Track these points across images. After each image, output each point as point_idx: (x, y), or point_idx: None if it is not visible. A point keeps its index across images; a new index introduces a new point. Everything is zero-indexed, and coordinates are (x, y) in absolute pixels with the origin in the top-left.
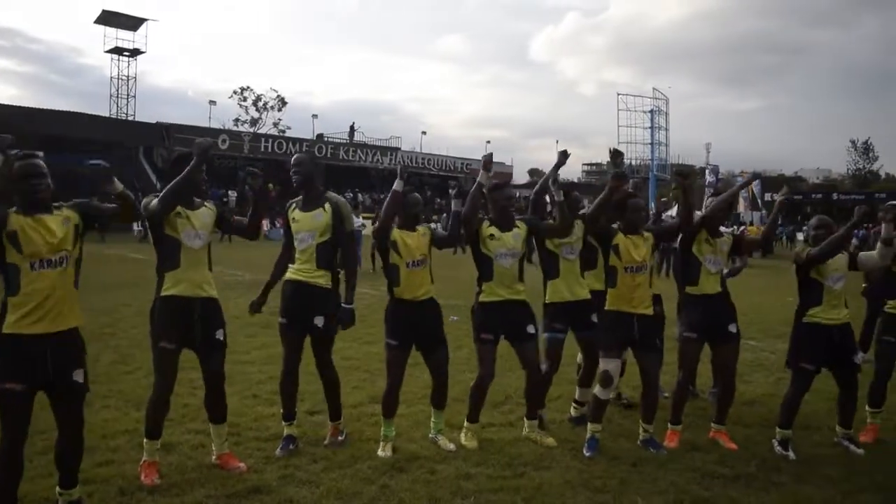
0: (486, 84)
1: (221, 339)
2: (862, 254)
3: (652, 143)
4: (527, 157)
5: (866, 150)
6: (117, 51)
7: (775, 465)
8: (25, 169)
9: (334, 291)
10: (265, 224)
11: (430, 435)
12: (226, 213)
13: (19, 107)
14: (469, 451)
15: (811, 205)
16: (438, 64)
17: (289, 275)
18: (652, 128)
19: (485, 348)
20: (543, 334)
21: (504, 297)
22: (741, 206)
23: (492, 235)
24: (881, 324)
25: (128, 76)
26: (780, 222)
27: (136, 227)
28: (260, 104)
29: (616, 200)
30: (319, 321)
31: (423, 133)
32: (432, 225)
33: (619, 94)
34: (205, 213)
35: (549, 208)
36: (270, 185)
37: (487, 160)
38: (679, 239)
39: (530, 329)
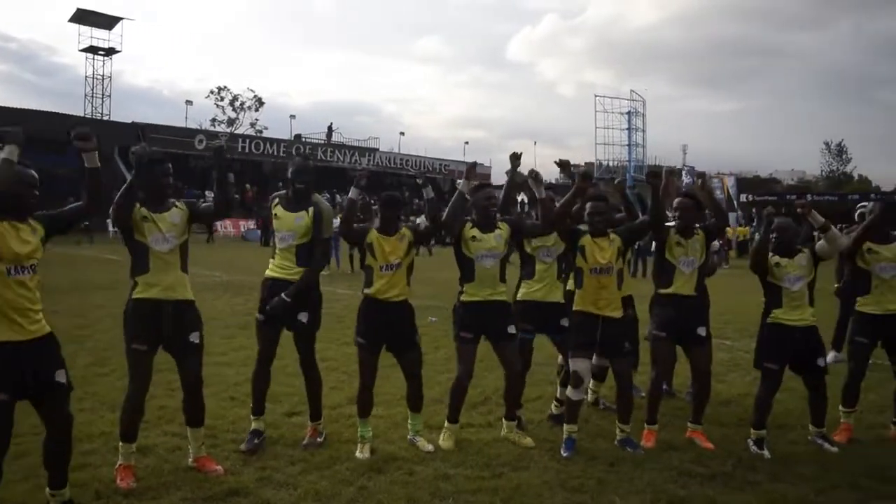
0: (465, 85)
1: (197, 342)
2: (817, 244)
3: (629, 145)
4: (506, 158)
5: (840, 151)
6: (92, 50)
7: (751, 463)
8: (28, 178)
9: (315, 289)
10: (242, 225)
11: (409, 436)
12: (197, 208)
13: None
14: (447, 452)
15: (786, 206)
16: (417, 65)
17: (269, 272)
18: (629, 129)
19: (464, 347)
20: None
21: (485, 298)
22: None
23: (474, 237)
24: (853, 323)
25: (103, 75)
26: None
27: (111, 228)
28: (237, 104)
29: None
30: (304, 317)
31: (402, 134)
32: (418, 220)
33: (596, 96)
34: (174, 215)
35: (522, 207)
36: (248, 186)
37: (470, 169)
38: (654, 244)
39: (511, 329)
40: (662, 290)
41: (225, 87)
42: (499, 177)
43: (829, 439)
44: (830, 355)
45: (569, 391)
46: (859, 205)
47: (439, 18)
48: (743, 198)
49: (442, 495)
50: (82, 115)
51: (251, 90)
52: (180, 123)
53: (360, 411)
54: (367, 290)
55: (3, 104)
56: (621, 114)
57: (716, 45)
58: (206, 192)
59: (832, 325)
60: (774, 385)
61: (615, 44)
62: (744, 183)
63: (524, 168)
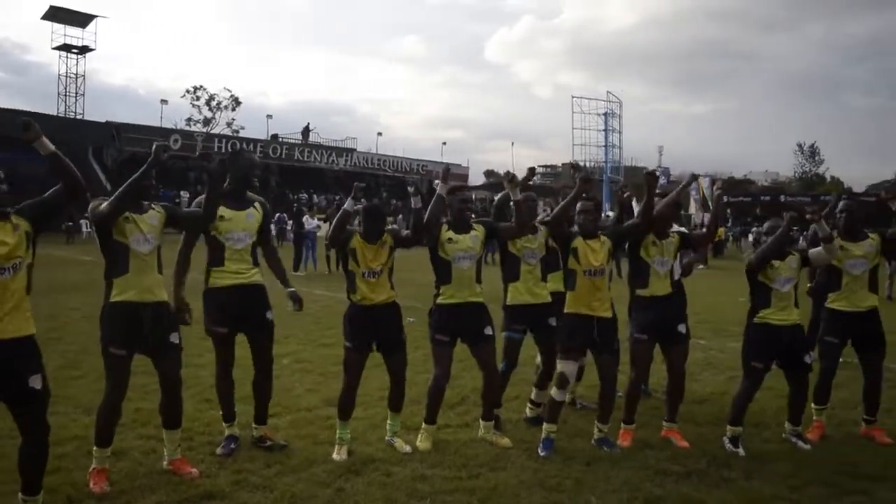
0: (443, 85)
1: (177, 342)
2: (811, 251)
3: (606, 146)
4: (483, 159)
5: (812, 153)
6: (65, 48)
7: (726, 461)
8: None
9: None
10: None
11: (387, 437)
12: (176, 212)
13: None
14: (424, 453)
15: (760, 206)
16: (395, 65)
17: (223, 281)
18: (606, 130)
19: (440, 350)
20: (502, 333)
21: (462, 300)
22: (692, 208)
23: (450, 239)
24: (824, 322)
25: (76, 74)
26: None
27: (84, 228)
28: (213, 104)
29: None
30: (270, 315)
31: (379, 134)
32: (395, 226)
33: (573, 97)
34: (153, 217)
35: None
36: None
37: (445, 172)
38: (627, 244)
39: (488, 331)
40: (641, 292)
41: (201, 86)
42: (477, 177)
43: (803, 437)
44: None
45: (553, 391)
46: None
47: (416, 19)
48: None
49: (419, 496)
50: (55, 113)
51: (228, 90)
52: (156, 123)
53: (341, 413)
54: (352, 297)
55: None
56: (598, 115)
57: (690, 47)
58: (181, 193)
59: (805, 324)
60: (756, 384)
61: (591, 46)
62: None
63: (500, 168)
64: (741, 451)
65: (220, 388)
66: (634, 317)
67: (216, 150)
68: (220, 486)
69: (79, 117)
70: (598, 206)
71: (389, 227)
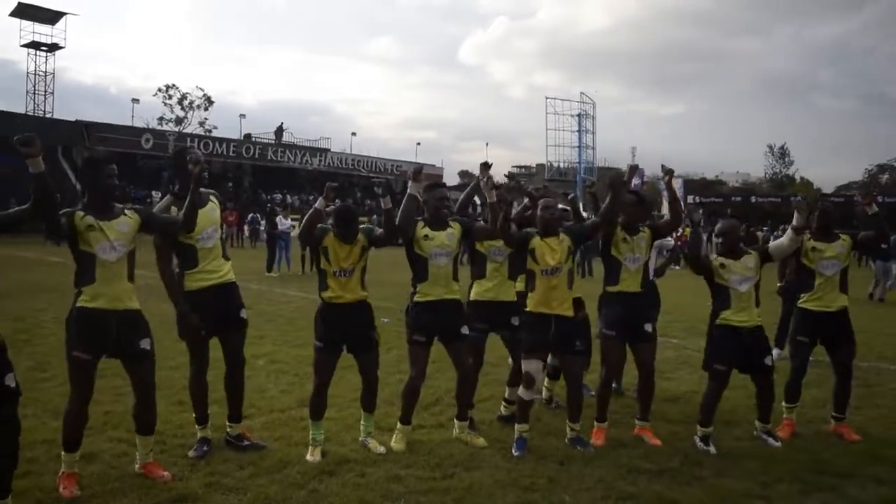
0: (417, 86)
1: (148, 348)
2: (770, 245)
3: (579, 147)
4: (457, 159)
5: (783, 154)
6: (34, 45)
7: (698, 459)
8: None
9: None
10: None
11: (361, 438)
12: (152, 218)
13: None
14: (399, 454)
15: (731, 207)
16: (369, 65)
17: (199, 283)
18: (580, 131)
19: (416, 350)
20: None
21: (439, 297)
22: (665, 208)
23: (426, 236)
24: (794, 322)
25: (45, 72)
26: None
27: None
28: (185, 103)
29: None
30: (244, 313)
31: (353, 134)
32: (368, 225)
33: (547, 98)
34: (123, 223)
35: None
36: None
37: (417, 171)
38: (600, 242)
39: (464, 330)
40: (610, 288)
41: (173, 85)
42: (451, 178)
43: (773, 434)
44: (774, 353)
45: (520, 391)
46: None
47: (391, 19)
48: (690, 199)
49: (393, 497)
50: (24, 111)
51: (200, 89)
52: (127, 122)
53: (312, 413)
54: (323, 295)
55: None
56: (572, 116)
57: (663, 49)
58: (153, 193)
59: (775, 322)
60: (722, 385)
61: (565, 47)
62: (691, 185)
63: (475, 169)
64: (712, 449)
65: (194, 390)
66: (603, 313)
67: (189, 149)
68: (192, 488)
69: (48, 116)
70: (577, 209)
71: (363, 226)
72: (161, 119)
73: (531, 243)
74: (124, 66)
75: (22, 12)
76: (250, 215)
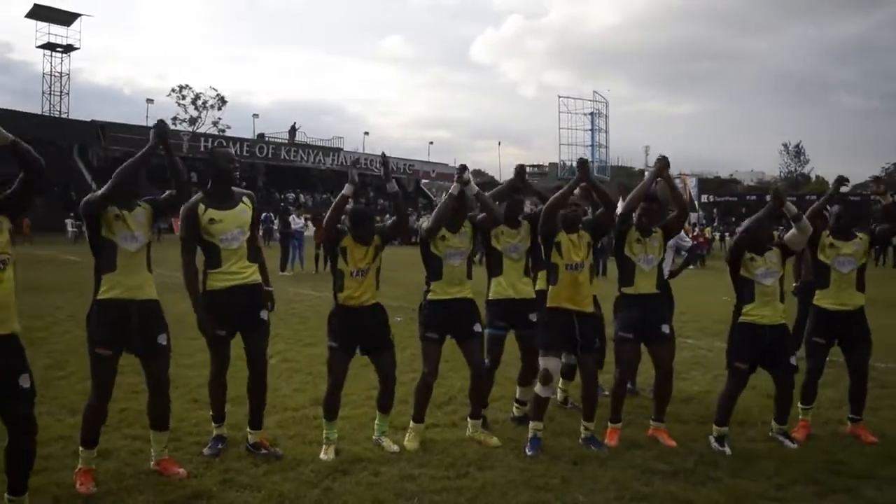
0: (429, 85)
1: (165, 343)
2: (787, 235)
3: (592, 145)
4: (470, 159)
5: (798, 153)
6: (50, 46)
7: (712, 460)
8: None
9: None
10: None
11: (374, 437)
12: (157, 201)
13: None
14: (412, 453)
15: (746, 206)
16: (381, 65)
17: (218, 283)
18: (592, 130)
19: (429, 346)
20: (485, 331)
21: (452, 296)
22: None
23: (443, 236)
24: (811, 321)
25: (61, 73)
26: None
27: (69, 227)
28: (199, 103)
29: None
30: (265, 315)
31: (366, 134)
32: (420, 220)
33: (560, 97)
34: (140, 213)
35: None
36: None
37: (461, 170)
38: (613, 243)
39: (477, 328)
40: (626, 290)
41: (187, 85)
42: None
43: (789, 436)
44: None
45: (537, 388)
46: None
47: (403, 19)
48: (704, 198)
49: (407, 496)
50: (40, 112)
51: (214, 89)
52: (141, 122)
53: (326, 413)
54: (339, 296)
55: None
56: (584, 115)
57: (676, 47)
58: (168, 192)
59: (791, 323)
60: (741, 384)
61: (577, 45)
62: (705, 183)
63: (488, 168)
64: (727, 450)
65: (212, 390)
66: (619, 315)
67: (202, 149)
68: (207, 486)
69: (63, 116)
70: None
71: (377, 225)
72: (175, 119)
73: (558, 237)
74: (138, 67)
75: (37, 14)
76: (263, 214)
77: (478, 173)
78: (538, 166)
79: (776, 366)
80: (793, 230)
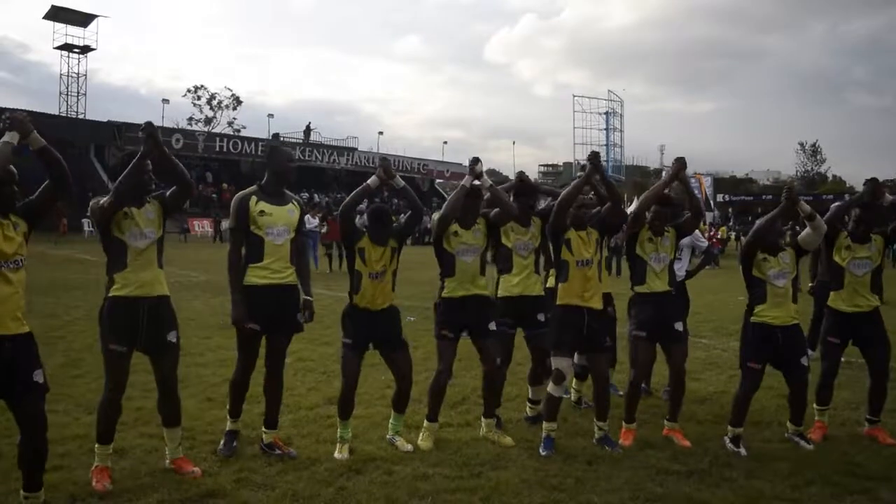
0: (444, 85)
1: (174, 341)
2: (800, 235)
3: (607, 145)
4: (484, 158)
5: (814, 152)
6: (67, 47)
7: (727, 460)
8: (4, 174)
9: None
10: (224, 224)
11: (388, 436)
12: (164, 196)
13: None
14: (426, 452)
15: (762, 206)
16: (396, 64)
17: (257, 280)
18: (607, 129)
19: (444, 344)
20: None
21: (466, 293)
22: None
23: (455, 232)
24: (826, 322)
25: (78, 73)
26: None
27: (86, 227)
28: (214, 103)
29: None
30: (301, 317)
31: (381, 133)
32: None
33: (574, 96)
34: (149, 210)
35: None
36: (225, 185)
37: (473, 162)
38: (625, 243)
39: (492, 326)
40: (638, 289)
41: (202, 85)
42: None
43: (805, 437)
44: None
45: (549, 387)
46: (833, 205)
47: (418, 18)
48: (720, 198)
49: (421, 495)
50: (57, 113)
51: (229, 89)
52: (157, 122)
53: (341, 412)
54: (354, 297)
55: None
56: (599, 114)
57: (691, 46)
58: None
59: (806, 323)
60: (755, 384)
61: (592, 44)
62: (720, 183)
63: (502, 168)
64: (742, 450)
65: (234, 387)
66: (633, 314)
67: (217, 149)
68: (221, 484)
69: (80, 117)
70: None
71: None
72: (191, 119)
73: (567, 233)
74: (154, 68)
75: (55, 15)
76: None
77: (492, 173)
78: (552, 166)
79: (788, 366)
80: (807, 230)
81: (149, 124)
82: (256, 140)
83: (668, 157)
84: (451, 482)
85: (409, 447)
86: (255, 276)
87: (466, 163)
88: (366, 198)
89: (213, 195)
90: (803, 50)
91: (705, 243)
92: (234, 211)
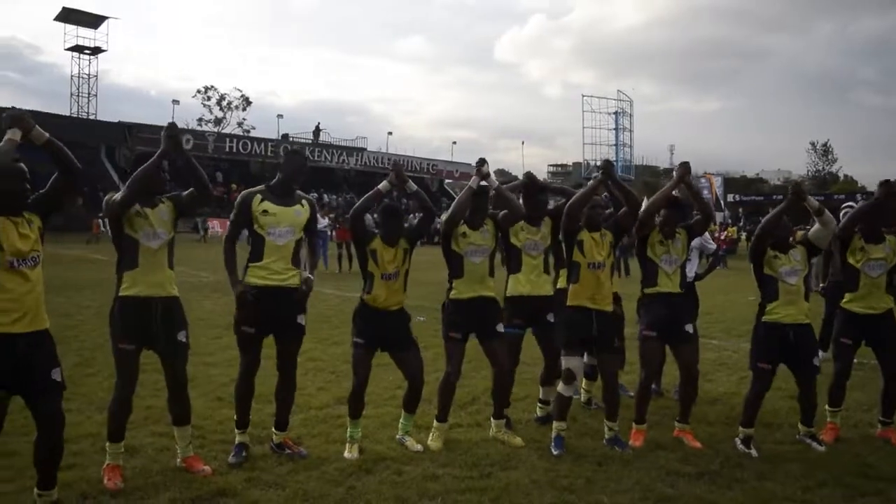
0: (453, 85)
1: (184, 340)
2: (811, 232)
3: (616, 145)
4: (494, 158)
5: (825, 151)
6: (78, 49)
7: (738, 462)
8: (17, 172)
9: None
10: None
11: (398, 436)
12: (180, 197)
13: None
14: (436, 452)
15: (773, 206)
16: (404, 64)
17: (256, 280)
18: (616, 129)
19: (452, 346)
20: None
21: (474, 294)
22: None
23: (464, 233)
24: (838, 323)
25: (88, 74)
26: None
27: (102, 227)
28: (224, 104)
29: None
30: (302, 319)
31: (390, 133)
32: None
33: (584, 96)
34: (163, 211)
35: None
36: (234, 186)
37: (480, 163)
38: (636, 245)
39: (499, 327)
40: (648, 290)
41: (212, 86)
42: None
43: (817, 438)
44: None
45: (560, 387)
46: (844, 204)
47: (425, 18)
48: (730, 198)
49: (430, 495)
50: (68, 114)
51: (238, 90)
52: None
53: (351, 412)
54: (365, 297)
55: None
56: (608, 114)
57: (699, 45)
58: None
59: (818, 324)
60: (765, 385)
61: (600, 44)
62: (731, 183)
63: (511, 168)
64: (754, 451)
65: (239, 391)
66: (642, 314)
67: (227, 149)
68: (232, 483)
69: (91, 117)
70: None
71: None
72: (200, 120)
73: (580, 235)
74: (164, 69)
75: (66, 17)
76: None
77: (501, 173)
78: (562, 166)
79: (799, 366)
80: (816, 225)
81: (171, 125)
82: (266, 140)
83: (677, 157)
84: (461, 482)
85: (419, 447)
86: (254, 276)
87: (475, 163)
88: (377, 202)
89: (224, 195)
90: (811, 49)
91: (714, 246)
92: (236, 206)
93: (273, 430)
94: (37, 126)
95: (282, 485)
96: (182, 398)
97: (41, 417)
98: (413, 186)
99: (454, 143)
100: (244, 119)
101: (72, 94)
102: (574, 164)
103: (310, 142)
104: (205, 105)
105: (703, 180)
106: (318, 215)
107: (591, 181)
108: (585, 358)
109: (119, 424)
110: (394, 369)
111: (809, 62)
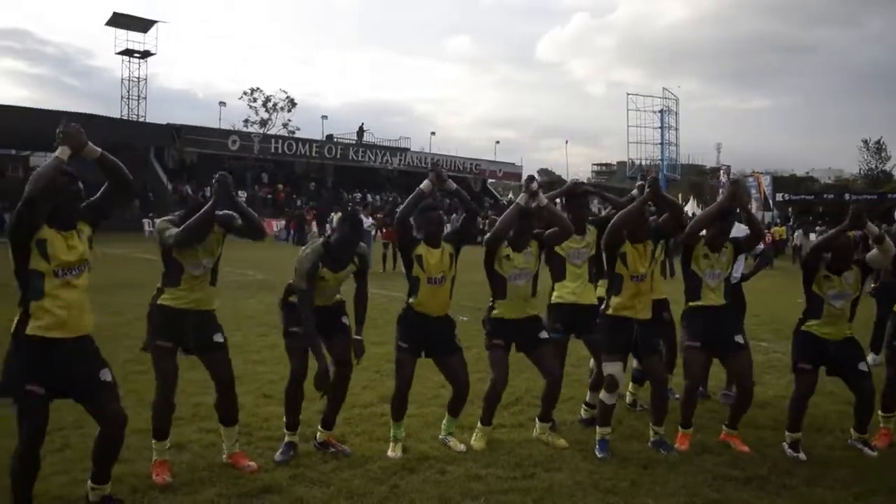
0: (495, 85)
1: (221, 340)
2: (868, 254)
3: (662, 143)
4: (536, 158)
5: (879, 149)
6: (128, 53)
7: (787, 467)
8: (73, 193)
9: None
10: (274, 225)
11: (441, 436)
12: (233, 223)
13: (31, 108)
14: (479, 452)
15: (823, 205)
16: (448, 65)
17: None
18: (662, 128)
19: (496, 353)
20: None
21: (517, 316)
22: (752, 207)
23: (507, 256)
24: (891, 326)
25: (138, 78)
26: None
27: (147, 227)
28: (269, 105)
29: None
30: (346, 319)
31: (433, 134)
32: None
33: (628, 94)
34: (209, 241)
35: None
36: (280, 186)
37: (529, 181)
38: (681, 256)
39: (543, 335)
40: (692, 303)
41: (258, 88)
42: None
43: (869, 444)
44: (869, 357)
45: (602, 395)
46: None
47: (469, 18)
48: (779, 197)
49: (473, 495)
50: (119, 116)
51: (283, 91)
52: (214, 125)
53: (394, 414)
54: (411, 300)
55: (43, 106)
56: (654, 112)
57: (745, 41)
58: (239, 192)
59: (870, 326)
60: (809, 386)
61: (644, 42)
62: (779, 182)
63: (555, 167)
64: (802, 455)
65: (289, 397)
66: (686, 325)
67: (272, 150)
68: (277, 480)
69: (141, 119)
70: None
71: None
72: (246, 121)
73: (623, 247)
74: (211, 71)
75: (116, 22)
76: (332, 214)
77: (544, 172)
78: (606, 165)
79: (847, 376)
80: (874, 251)
81: (223, 175)
82: (311, 141)
83: (724, 156)
84: (504, 483)
85: (462, 447)
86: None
87: (519, 163)
88: (420, 202)
89: (268, 196)
90: (862, 45)
91: (761, 246)
92: (305, 274)
93: (319, 427)
94: (90, 143)
95: (326, 482)
96: (229, 399)
97: (101, 418)
98: (452, 185)
99: (497, 142)
100: (289, 120)
101: (122, 97)
102: (619, 163)
103: (354, 142)
104: (251, 107)
105: (750, 179)
106: (363, 215)
107: (638, 197)
108: (634, 363)
109: (163, 423)
110: (435, 371)
111: (860, 57)
